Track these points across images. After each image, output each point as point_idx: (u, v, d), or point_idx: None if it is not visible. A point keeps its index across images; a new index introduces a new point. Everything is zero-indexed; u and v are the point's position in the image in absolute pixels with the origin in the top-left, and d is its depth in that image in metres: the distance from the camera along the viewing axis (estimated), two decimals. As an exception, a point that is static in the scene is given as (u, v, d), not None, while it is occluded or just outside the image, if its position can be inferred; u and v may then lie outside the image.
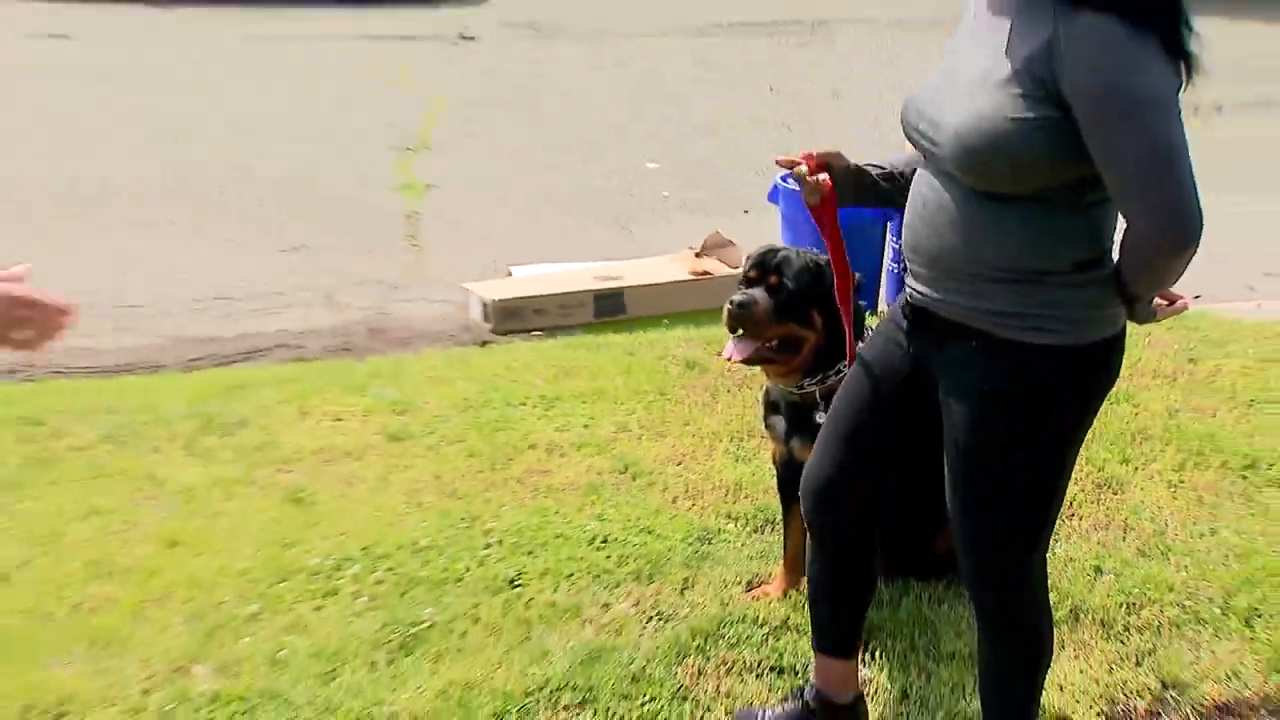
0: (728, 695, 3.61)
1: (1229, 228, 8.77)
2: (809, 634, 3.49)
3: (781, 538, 4.13)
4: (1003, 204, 2.67)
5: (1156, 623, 3.95)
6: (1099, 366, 2.82)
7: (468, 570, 4.17)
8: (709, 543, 4.34)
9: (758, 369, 3.93)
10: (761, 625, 3.87)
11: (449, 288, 7.47)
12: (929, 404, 2.94)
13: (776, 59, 14.85)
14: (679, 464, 4.92)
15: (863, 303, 3.85)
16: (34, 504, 4.70)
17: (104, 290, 7.28)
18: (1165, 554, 4.33)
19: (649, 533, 4.38)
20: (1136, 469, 4.91)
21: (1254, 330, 6.46)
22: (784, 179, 7.41)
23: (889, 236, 7.04)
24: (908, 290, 2.95)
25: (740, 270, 3.89)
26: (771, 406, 3.95)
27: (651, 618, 3.93)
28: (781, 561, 4.08)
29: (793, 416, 3.83)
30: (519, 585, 4.09)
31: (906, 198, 2.98)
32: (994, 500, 2.90)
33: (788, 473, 3.89)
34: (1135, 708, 3.64)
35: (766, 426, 4.02)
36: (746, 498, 4.61)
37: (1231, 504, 4.68)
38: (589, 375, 5.80)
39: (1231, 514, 4.61)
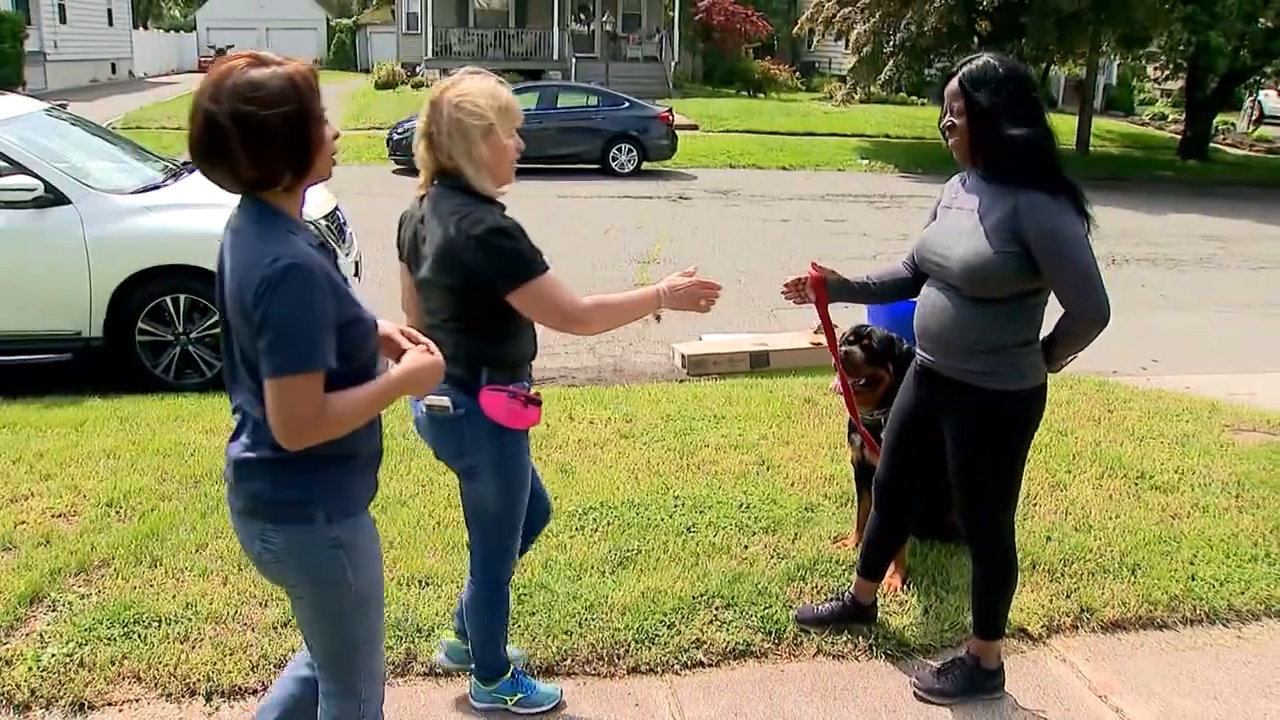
0: (816, 605, 3.61)
1: (1129, 331, 8.68)
2: (859, 566, 3.52)
3: (856, 511, 4.13)
4: (984, 305, 2.84)
5: (1081, 571, 3.97)
6: (1036, 402, 2.98)
7: (661, 520, 4.19)
8: (812, 511, 4.35)
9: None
10: (840, 564, 3.88)
11: (663, 345, 7.51)
12: (937, 429, 3.02)
13: (866, 216, 14.68)
14: (797, 461, 4.91)
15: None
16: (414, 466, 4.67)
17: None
18: (1089, 530, 4.30)
19: (775, 503, 4.39)
20: (1075, 477, 4.82)
21: (1145, 394, 6.30)
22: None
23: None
24: (918, 358, 3.09)
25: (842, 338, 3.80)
26: (850, 427, 3.90)
27: (773, 556, 3.95)
28: (855, 525, 4.08)
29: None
30: (693, 531, 4.11)
31: (879, 298, 3.32)
32: (978, 486, 3.05)
33: (861, 470, 3.96)
34: (1064, 623, 3.64)
35: (849, 440, 4.02)
36: (837, 484, 4.59)
37: (1127, 500, 4.62)
38: (744, 403, 5.81)
39: (1127, 505, 4.55)
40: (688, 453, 4.96)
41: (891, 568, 3.62)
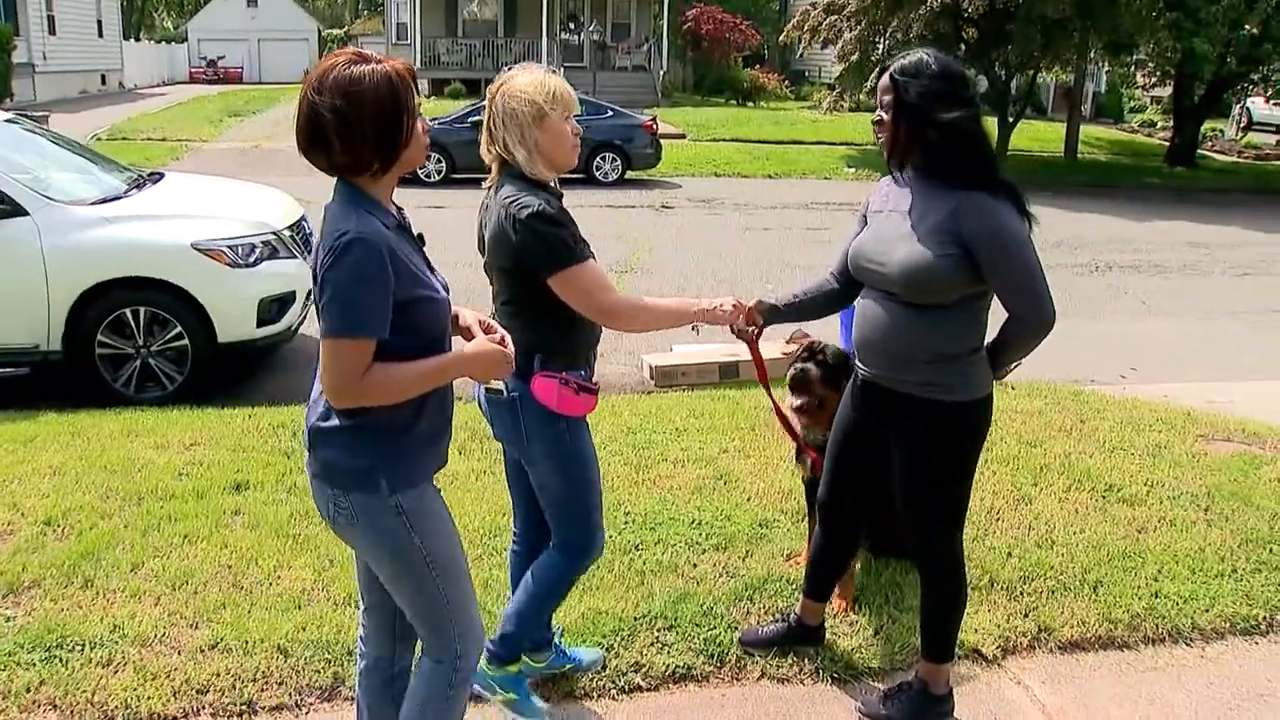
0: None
1: (1108, 338, 8.52)
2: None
3: (808, 527, 3.97)
4: (927, 312, 2.72)
5: (1041, 589, 3.85)
6: (986, 412, 2.84)
7: (609, 537, 3.93)
8: (766, 528, 4.23)
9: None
10: (790, 583, 3.76)
11: (632, 356, 7.37)
12: (881, 446, 2.91)
13: (847, 223, 14.61)
14: (756, 475, 4.78)
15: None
16: None
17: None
18: (1051, 545, 4.17)
19: (728, 519, 4.27)
20: (1041, 490, 4.71)
21: (1120, 403, 6.17)
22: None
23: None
24: (859, 372, 2.98)
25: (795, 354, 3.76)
26: (798, 449, 3.78)
27: (722, 575, 3.84)
28: (806, 542, 3.93)
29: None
30: (640, 549, 3.99)
31: (807, 314, 3.19)
32: (927, 504, 2.93)
33: (811, 488, 3.81)
34: (1020, 643, 3.52)
35: (798, 460, 3.90)
36: (794, 499, 4.45)
37: (1093, 514, 4.50)
38: (709, 416, 5.68)
39: (1093, 520, 4.43)
40: (644, 467, 4.85)
41: (839, 587, 3.50)
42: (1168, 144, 23.29)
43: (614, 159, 17.79)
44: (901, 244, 2.71)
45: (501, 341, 2.35)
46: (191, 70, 46.21)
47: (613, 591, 3.65)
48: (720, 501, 4.45)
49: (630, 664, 3.25)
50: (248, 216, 6.64)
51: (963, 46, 19.48)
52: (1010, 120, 20.81)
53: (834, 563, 3.30)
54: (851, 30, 19.47)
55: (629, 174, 17.94)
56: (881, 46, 19.48)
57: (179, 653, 3.27)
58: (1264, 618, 3.71)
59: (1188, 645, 3.57)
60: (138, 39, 46.47)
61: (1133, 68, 23.65)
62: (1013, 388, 6.49)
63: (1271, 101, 24.52)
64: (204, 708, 3.03)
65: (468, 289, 3.70)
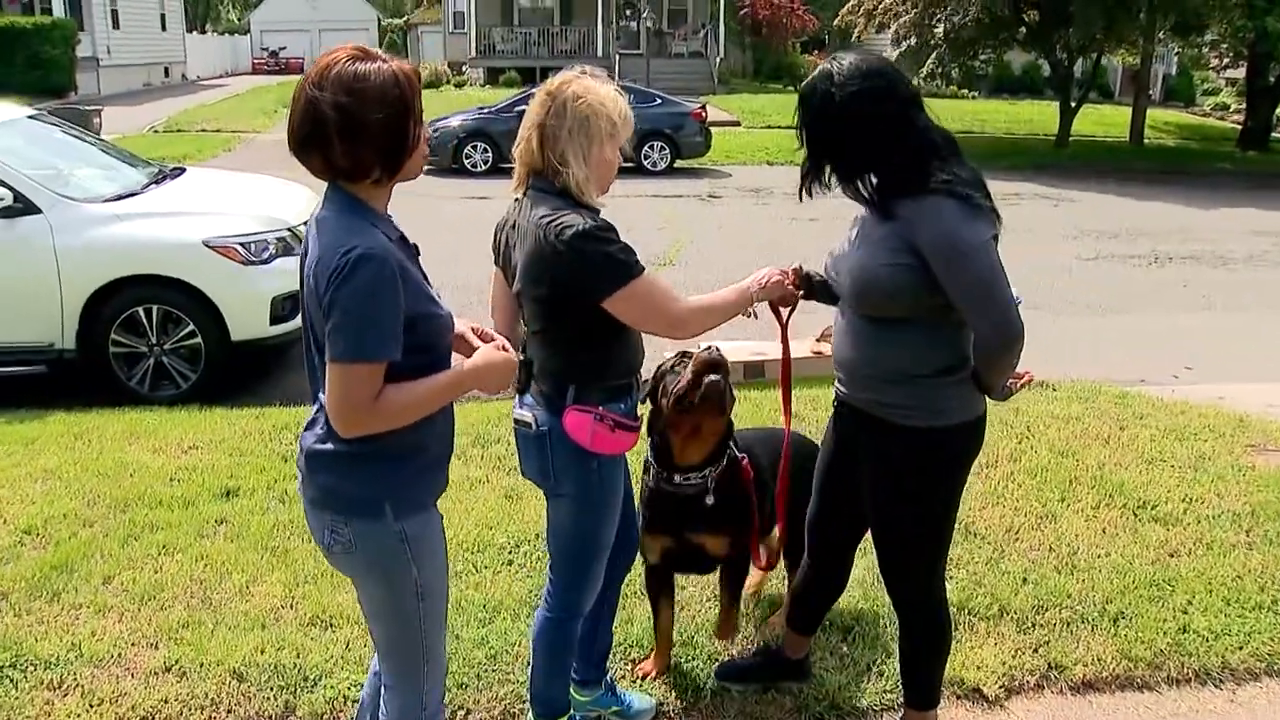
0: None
1: (1163, 335, 8.10)
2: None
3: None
4: (889, 327, 2.47)
5: (1054, 621, 3.54)
6: (962, 443, 2.55)
7: None
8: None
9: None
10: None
11: (657, 354, 7.11)
12: (860, 469, 2.67)
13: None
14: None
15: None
16: None
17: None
18: (1072, 570, 3.86)
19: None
20: (1068, 506, 4.39)
21: (1168, 407, 5.76)
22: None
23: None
24: (835, 389, 2.71)
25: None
26: None
27: (710, 600, 3.55)
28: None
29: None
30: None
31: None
32: (899, 540, 2.66)
33: None
34: (1027, 682, 3.23)
35: None
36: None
37: (1123, 534, 4.17)
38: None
39: (1122, 541, 4.10)
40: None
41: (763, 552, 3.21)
42: (1240, 128, 22.39)
43: (662, 147, 17.55)
44: (854, 252, 2.49)
45: (503, 348, 2.20)
46: (254, 61, 46.86)
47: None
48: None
49: (596, 699, 3.03)
50: (262, 212, 6.54)
51: (1023, 29, 18.89)
52: (1073, 105, 20.14)
53: (821, 593, 3.05)
54: (907, 14, 18.97)
55: (678, 162, 17.69)
56: (941, 29, 18.98)
57: (132, 675, 3.13)
58: (1306, 657, 3.39)
59: (1216, 688, 3.25)
60: (203, 31, 47.28)
61: (1204, 49, 22.70)
62: (1054, 390, 6.16)
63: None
64: (147, 737, 2.90)
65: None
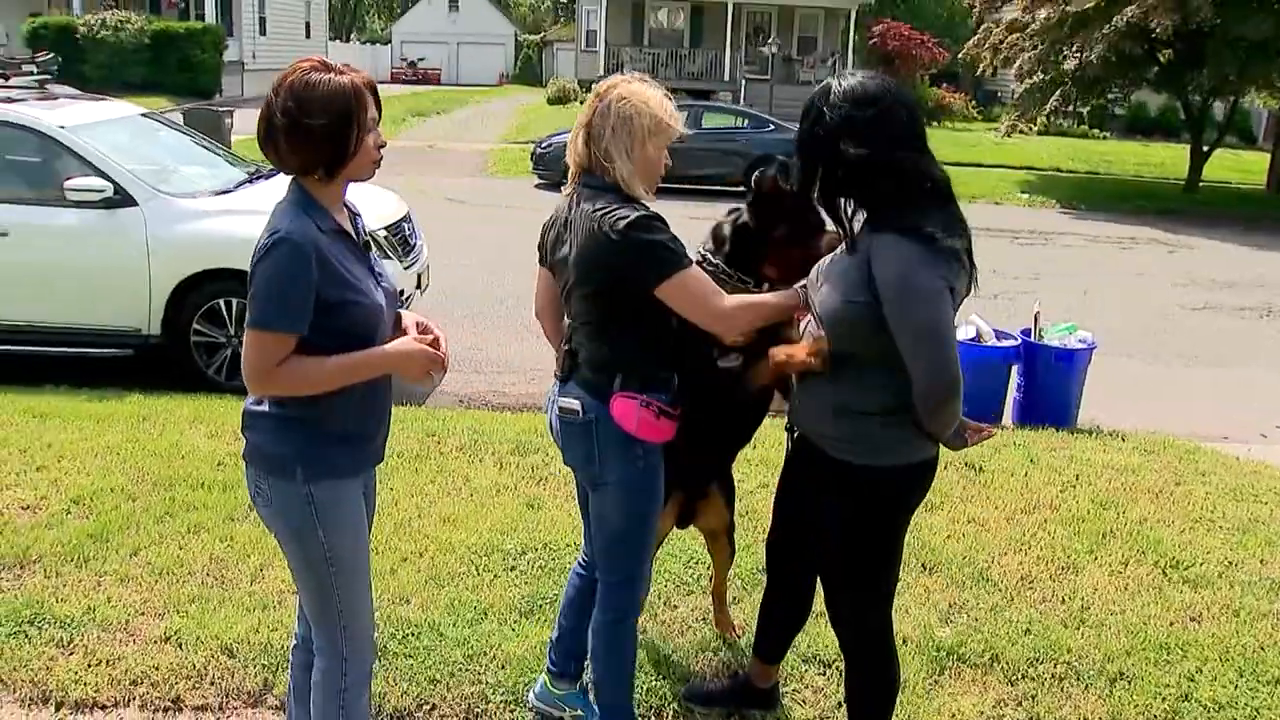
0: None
1: (1260, 391, 7.70)
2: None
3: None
4: (835, 359, 2.43)
5: (1048, 675, 3.43)
6: (899, 485, 2.52)
7: None
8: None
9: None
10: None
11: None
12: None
13: (1004, 251, 13.76)
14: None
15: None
16: (397, 480, 4.67)
17: (522, 358, 7.37)
18: (1080, 625, 3.73)
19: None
20: (1095, 559, 4.25)
21: (1236, 467, 5.50)
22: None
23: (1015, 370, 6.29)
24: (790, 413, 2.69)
25: None
26: None
27: (700, 621, 3.62)
28: None
29: None
30: None
31: None
32: (837, 574, 2.66)
33: None
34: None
35: None
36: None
37: (1146, 593, 4.00)
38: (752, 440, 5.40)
39: (1143, 600, 3.95)
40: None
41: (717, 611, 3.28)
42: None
43: (771, 173, 17.50)
44: (824, 286, 2.47)
45: (434, 343, 2.34)
46: (393, 70, 48.57)
47: (570, 626, 3.48)
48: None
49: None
50: (343, 215, 6.81)
51: (1155, 68, 18.25)
52: (1205, 149, 19.32)
53: (784, 620, 3.03)
54: (1032, 49, 18.53)
55: (786, 189, 17.62)
56: (1068, 66, 18.47)
57: (134, 641, 3.33)
58: (1317, 738, 3.21)
59: (1212, 762, 3.13)
60: (346, 40, 49.25)
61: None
62: (1122, 439, 5.95)
63: None
64: (133, 699, 3.08)
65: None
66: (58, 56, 8.69)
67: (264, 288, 2.16)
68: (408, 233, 7.34)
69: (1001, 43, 19.58)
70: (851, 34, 32.98)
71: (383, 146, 2.30)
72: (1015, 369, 6.30)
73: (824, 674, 3.33)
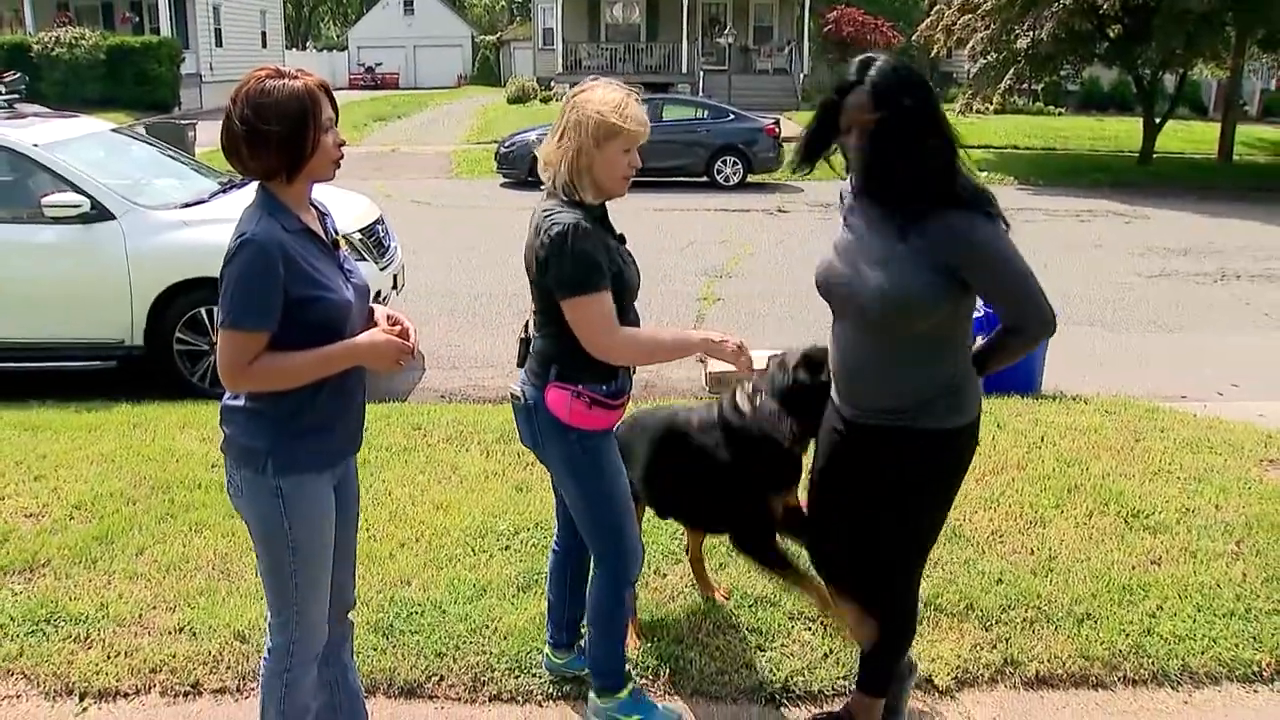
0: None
1: (1214, 352, 7.98)
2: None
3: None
4: (907, 339, 2.57)
5: (1020, 619, 3.64)
6: (969, 440, 2.71)
7: None
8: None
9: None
10: (745, 605, 3.67)
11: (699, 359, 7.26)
12: (863, 484, 2.76)
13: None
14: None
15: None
16: (388, 472, 4.82)
17: (498, 352, 7.52)
18: (1048, 573, 3.94)
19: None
20: (1061, 512, 4.46)
21: (1192, 422, 5.75)
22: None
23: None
24: (837, 409, 2.78)
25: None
26: None
27: (689, 588, 3.78)
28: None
29: None
30: None
31: None
32: (906, 540, 2.79)
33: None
34: (981, 676, 3.35)
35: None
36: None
37: (1109, 540, 4.22)
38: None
39: (1106, 547, 4.16)
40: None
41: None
42: (1340, 145, 21.64)
43: (735, 162, 17.74)
44: (878, 266, 2.52)
45: (403, 334, 2.45)
46: (351, 76, 48.39)
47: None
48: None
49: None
50: (317, 220, 6.93)
51: (1104, 43, 18.60)
52: (1157, 121, 19.72)
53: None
54: (985, 29, 18.84)
55: (750, 177, 17.83)
56: (1022, 44, 18.78)
57: (149, 634, 3.47)
58: (1269, 664, 3.41)
59: (1173, 689, 3.33)
60: (303, 48, 48.96)
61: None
62: (1085, 403, 6.18)
63: None
64: (154, 686, 3.22)
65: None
66: (25, 76, 8.73)
67: (232, 288, 2.25)
68: (381, 234, 7.47)
69: (954, 24, 19.89)
70: (807, 21, 33.25)
71: (342, 145, 2.40)
72: (980, 339, 6.51)
73: (809, 629, 3.53)
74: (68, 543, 4.08)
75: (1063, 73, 19.81)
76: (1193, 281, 10.61)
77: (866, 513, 2.75)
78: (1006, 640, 3.48)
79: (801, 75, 32.87)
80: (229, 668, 3.28)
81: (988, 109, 21.79)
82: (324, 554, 2.50)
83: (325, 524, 2.49)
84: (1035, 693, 3.30)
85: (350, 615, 2.74)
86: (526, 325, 2.91)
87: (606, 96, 2.66)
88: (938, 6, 21.41)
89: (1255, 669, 3.40)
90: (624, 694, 3.01)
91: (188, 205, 6.82)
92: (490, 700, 3.18)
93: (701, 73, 32.07)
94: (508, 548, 4.07)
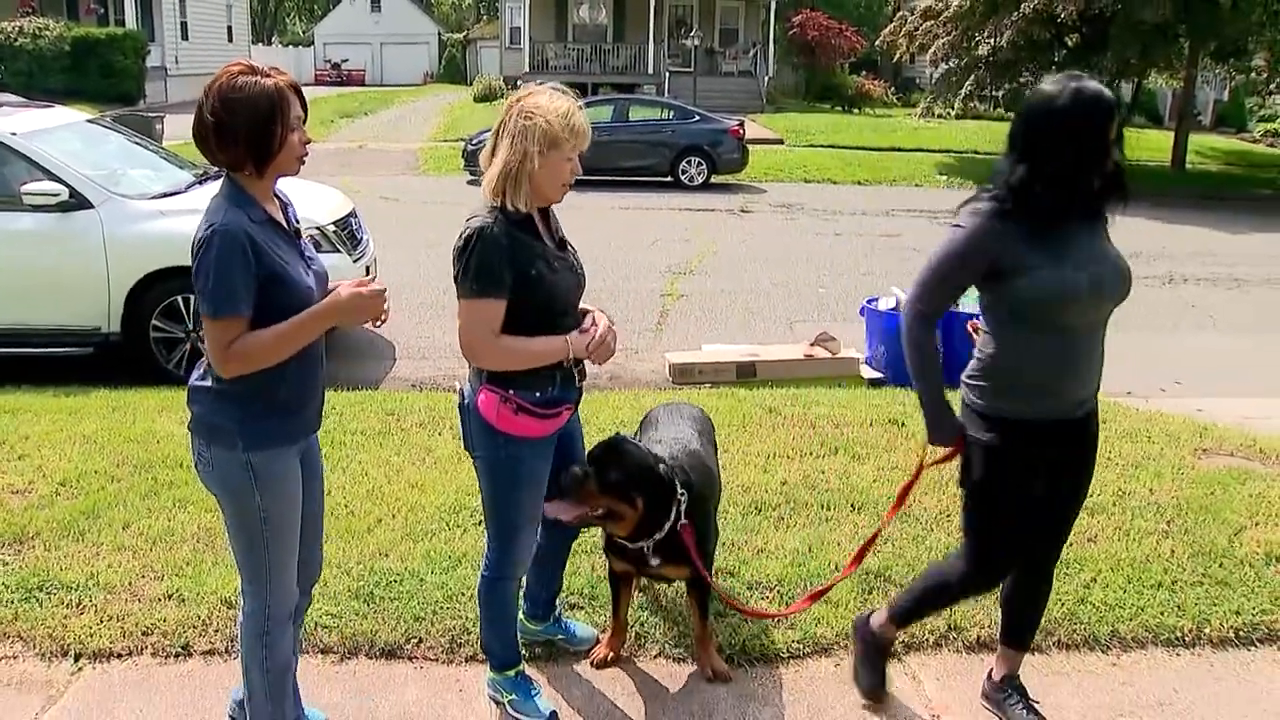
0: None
1: (1160, 352, 8.30)
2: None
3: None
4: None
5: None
6: None
7: None
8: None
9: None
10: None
11: (663, 355, 7.51)
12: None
13: (923, 231, 14.49)
14: (723, 470, 4.89)
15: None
16: (364, 454, 4.99)
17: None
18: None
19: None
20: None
21: (1133, 415, 6.08)
22: (869, 302, 7.32)
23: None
24: (1070, 415, 2.99)
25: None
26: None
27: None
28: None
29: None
30: (584, 533, 4.14)
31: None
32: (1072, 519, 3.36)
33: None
34: (926, 640, 3.63)
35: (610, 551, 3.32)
36: (751, 494, 4.60)
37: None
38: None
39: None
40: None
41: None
42: (1287, 154, 22.30)
43: (700, 163, 18.01)
44: (1118, 264, 2.90)
45: (377, 292, 2.55)
46: (317, 73, 48.20)
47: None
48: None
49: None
50: (292, 212, 7.08)
51: (1063, 52, 19.07)
52: (1112, 129, 20.21)
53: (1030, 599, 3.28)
54: (946, 36, 19.24)
55: (715, 178, 18.12)
56: (982, 51, 19.22)
57: (139, 600, 3.63)
58: (1191, 630, 3.69)
59: (1103, 653, 3.59)
60: (268, 43, 48.67)
61: (1253, 73, 22.62)
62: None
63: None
64: (146, 648, 3.39)
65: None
66: (4, 67, 8.77)
67: (206, 278, 2.36)
68: (354, 227, 7.62)
69: (916, 30, 20.30)
70: (772, 25, 33.64)
71: (308, 143, 2.53)
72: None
73: (766, 598, 3.76)
74: (55, 517, 4.23)
75: (1022, 80, 20.23)
76: (1142, 284, 10.87)
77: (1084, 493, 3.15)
78: (950, 609, 3.72)
79: (766, 78, 33.25)
80: (218, 631, 3.46)
81: (948, 114, 22.20)
82: (294, 522, 2.64)
83: (295, 494, 2.62)
84: (976, 655, 3.55)
85: (313, 590, 2.91)
86: None
87: (554, 104, 2.67)
88: (900, 13, 21.82)
89: (1178, 635, 3.68)
90: (511, 673, 3.13)
91: (164, 195, 6.95)
92: (467, 661, 3.37)
93: (667, 74, 32.34)
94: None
